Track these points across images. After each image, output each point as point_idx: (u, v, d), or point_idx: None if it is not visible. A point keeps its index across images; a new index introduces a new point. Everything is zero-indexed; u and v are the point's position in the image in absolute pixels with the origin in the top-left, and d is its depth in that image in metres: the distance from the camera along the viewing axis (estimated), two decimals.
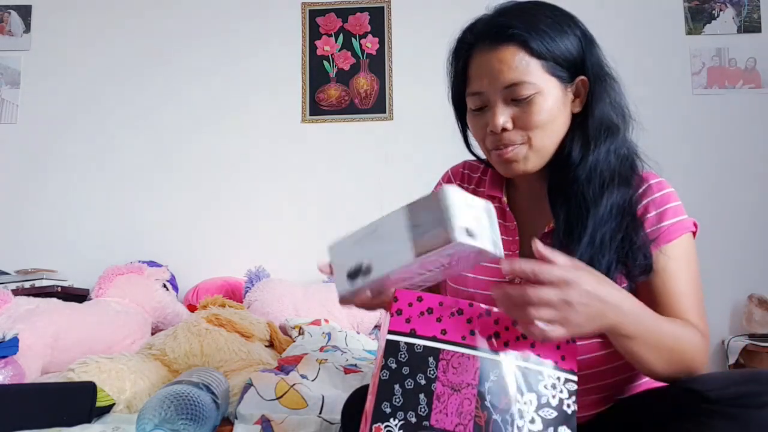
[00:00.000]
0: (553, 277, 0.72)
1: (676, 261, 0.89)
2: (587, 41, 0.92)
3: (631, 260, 0.87)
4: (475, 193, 1.08)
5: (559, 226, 0.91)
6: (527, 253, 0.96)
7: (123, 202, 2.80)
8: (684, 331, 0.84)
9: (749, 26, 2.79)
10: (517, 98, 0.89)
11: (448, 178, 1.13)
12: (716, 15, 2.80)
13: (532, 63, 0.88)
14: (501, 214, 1.01)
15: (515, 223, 1.00)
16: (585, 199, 0.89)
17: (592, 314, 0.73)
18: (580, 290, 0.72)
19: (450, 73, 1.02)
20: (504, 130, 0.90)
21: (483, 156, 1.05)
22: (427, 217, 0.71)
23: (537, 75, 0.88)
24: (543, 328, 0.72)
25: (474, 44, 0.93)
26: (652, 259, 0.88)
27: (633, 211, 0.90)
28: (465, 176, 1.12)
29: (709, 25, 2.80)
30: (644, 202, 0.91)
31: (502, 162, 0.93)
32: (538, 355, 0.81)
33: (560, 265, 0.74)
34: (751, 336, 2.40)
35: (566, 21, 0.92)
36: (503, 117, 0.90)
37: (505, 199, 1.02)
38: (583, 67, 0.92)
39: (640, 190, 0.92)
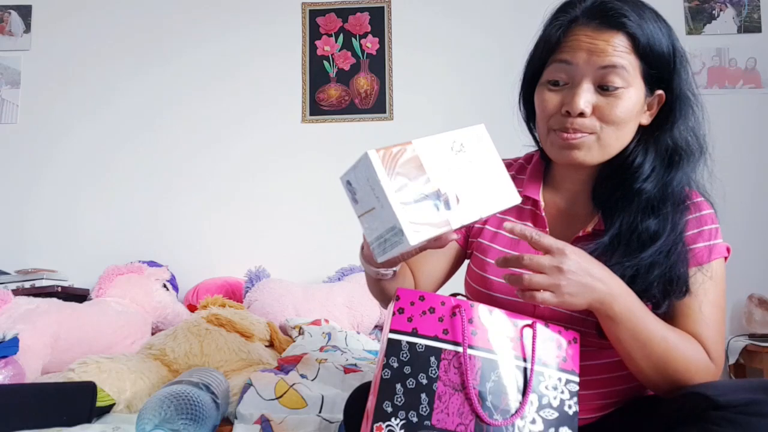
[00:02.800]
0: (548, 245, 0.78)
1: (706, 283, 0.88)
2: (682, 61, 0.90)
3: (674, 277, 0.86)
4: None
5: (612, 230, 0.89)
6: None
7: (123, 202, 2.80)
8: (682, 342, 0.83)
9: (749, 26, 2.79)
10: (607, 85, 0.86)
11: None
12: (716, 15, 2.80)
13: (631, 57, 0.86)
14: (533, 218, 0.99)
15: (547, 229, 0.97)
16: (654, 211, 0.88)
17: (581, 284, 0.77)
18: (571, 260, 0.77)
19: (538, 38, 0.94)
20: (581, 115, 0.87)
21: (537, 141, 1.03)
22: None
23: (632, 71, 0.86)
24: (534, 294, 0.77)
25: (578, 18, 0.89)
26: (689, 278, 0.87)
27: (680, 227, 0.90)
28: None
29: (709, 25, 2.80)
30: (686, 218, 0.91)
31: (565, 145, 0.89)
32: (539, 355, 0.81)
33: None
34: (751, 336, 2.40)
35: (669, 32, 0.90)
36: (584, 100, 0.86)
37: (542, 203, 0.99)
38: (668, 82, 0.90)
39: (683, 205, 0.91)
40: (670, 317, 0.88)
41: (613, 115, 0.86)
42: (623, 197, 0.90)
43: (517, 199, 0.80)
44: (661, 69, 0.89)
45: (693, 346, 0.84)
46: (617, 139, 0.89)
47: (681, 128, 0.90)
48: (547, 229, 0.97)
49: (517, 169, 1.07)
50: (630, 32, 0.86)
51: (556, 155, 0.93)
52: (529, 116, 1.02)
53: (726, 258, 0.92)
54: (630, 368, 0.86)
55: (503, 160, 1.09)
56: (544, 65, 0.92)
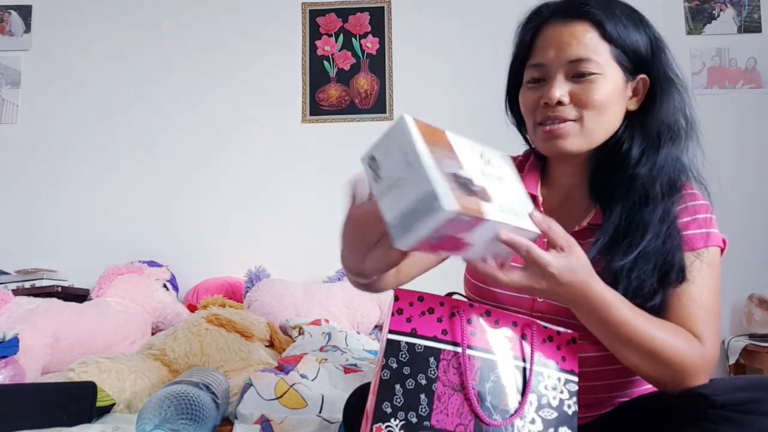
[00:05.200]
0: (540, 260, 0.73)
1: (699, 270, 0.87)
2: (658, 44, 0.93)
3: (669, 265, 0.85)
4: None
5: (611, 221, 0.89)
6: None
7: (123, 202, 2.80)
8: (670, 334, 0.81)
9: (749, 26, 2.79)
10: (579, 74, 0.88)
11: None
12: (716, 15, 2.80)
13: (602, 45, 0.89)
14: None
15: None
16: (648, 196, 0.88)
17: (555, 295, 0.77)
18: (554, 280, 0.74)
19: (515, 45, 0.99)
20: (559, 103, 0.89)
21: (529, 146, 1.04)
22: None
23: (604, 57, 0.88)
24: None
25: (547, 18, 0.93)
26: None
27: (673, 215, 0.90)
28: None
29: (709, 25, 2.80)
30: (680, 207, 0.91)
31: (549, 137, 0.91)
32: (539, 355, 0.81)
33: (551, 254, 0.74)
34: (751, 336, 2.40)
35: (641, 18, 0.93)
36: (560, 90, 0.89)
37: (541, 198, 1.00)
38: (648, 67, 0.92)
39: (677, 195, 0.91)
40: (663, 304, 0.87)
41: (590, 99, 0.88)
42: (617, 186, 0.91)
43: (537, 232, 0.75)
44: (636, 53, 0.90)
45: (681, 337, 0.82)
46: (600, 124, 0.90)
47: (667, 110, 0.91)
48: None
49: (517, 165, 1.08)
50: (595, 19, 0.88)
51: (543, 148, 0.95)
52: (519, 122, 1.04)
53: (723, 249, 0.92)
54: (623, 362, 0.85)
55: (510, 155, 1.10)
56: (522, 70, 0.96)
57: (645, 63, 0.91)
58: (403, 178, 0.63)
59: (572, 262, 0.75)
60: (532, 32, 0.95)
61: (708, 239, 0.90)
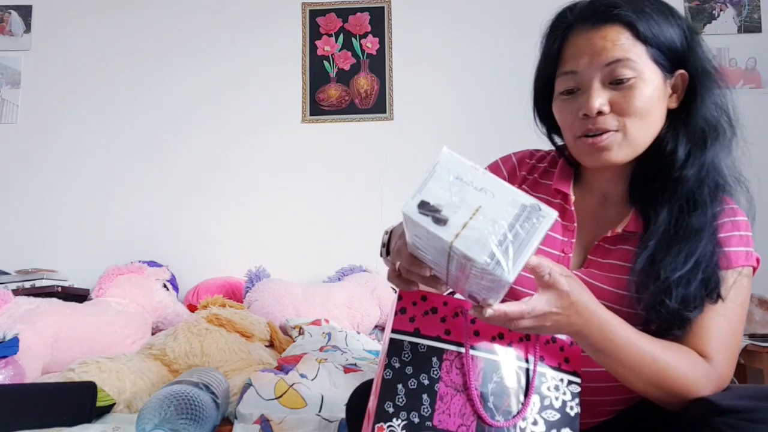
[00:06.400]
0: (558, 280, 0.72)
1: (735, 289, 0.84)
2: (692, 35, 0.88)
3: (713, 280, 0.82)
4: (536, 184, 1.01)
5: (657, 226, 0.85)
6: (580, 257, 0.93)
7: (123, 202, 2.80)
8: (673, 355, 0.79)
9: (749, 26, 2.79)
10: (617, 79, 0.84)
11: (512, 166, 1.04)
12: (716, 15, 2.80)
13: (636, 45, 0.84)
14: (562, 212, 0.95)
15: (575, 224, 0.94)
16: (697, 201, 0.84)
17: (566, 321, 0.74)
18: (568, 299, 0.72)
19: (540, 54, 0.94)
20: (599, 113, 0.84)
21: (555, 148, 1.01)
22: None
23: (641, 59, 0.84)
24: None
25: (573, 24, 0.88)
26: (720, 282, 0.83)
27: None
28: (528, 165, 1.04)
29: (709, 25, 2.80)
30: (721, 221, 0.87)
31: (593, 150, 0.87)
32: (542, 356, 0.81)
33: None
34: (751, 336, 2.40)
35: (671, 11, 0.88)
36: (600, 99, 0.84)
37: (573, 197, 0.96)
38: (684, 61, 0.87)
39: (718, 208, 0.88)
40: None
41: (631, 106, 0.84)
42: (662, 189, 0.87)
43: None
44: (672, 49, 0.86)
45: (686, 358, 0.80)
46: (644, 130, 0.86)
47: (708, 105, 0.87)
48: (575, 224, 0.94)
49: (550, 161, 1.04)
50: (626, 21, 0.84)
51: (586, 161, 0.90)
52: (550, 129, 1.01)
53: (755, 269, 0.88)
54: (625, 384, 0.83)
55: (528, 150, 1.07)
56: (553, 79, 0.92)
57: (682, 58, 0.87)
58: (482, 206, 0.60)
59: (577, 282, 0.74)
60: (559, 41, 0.89)
61: (747, 258, 0.87)
